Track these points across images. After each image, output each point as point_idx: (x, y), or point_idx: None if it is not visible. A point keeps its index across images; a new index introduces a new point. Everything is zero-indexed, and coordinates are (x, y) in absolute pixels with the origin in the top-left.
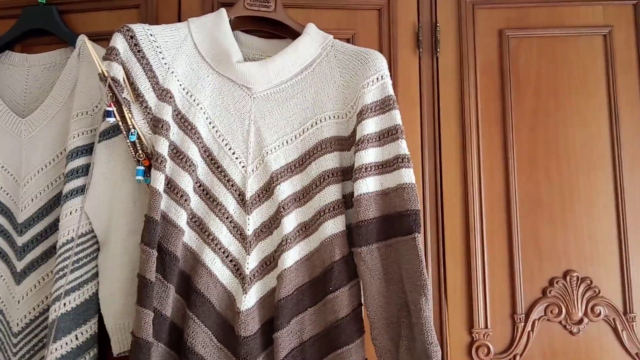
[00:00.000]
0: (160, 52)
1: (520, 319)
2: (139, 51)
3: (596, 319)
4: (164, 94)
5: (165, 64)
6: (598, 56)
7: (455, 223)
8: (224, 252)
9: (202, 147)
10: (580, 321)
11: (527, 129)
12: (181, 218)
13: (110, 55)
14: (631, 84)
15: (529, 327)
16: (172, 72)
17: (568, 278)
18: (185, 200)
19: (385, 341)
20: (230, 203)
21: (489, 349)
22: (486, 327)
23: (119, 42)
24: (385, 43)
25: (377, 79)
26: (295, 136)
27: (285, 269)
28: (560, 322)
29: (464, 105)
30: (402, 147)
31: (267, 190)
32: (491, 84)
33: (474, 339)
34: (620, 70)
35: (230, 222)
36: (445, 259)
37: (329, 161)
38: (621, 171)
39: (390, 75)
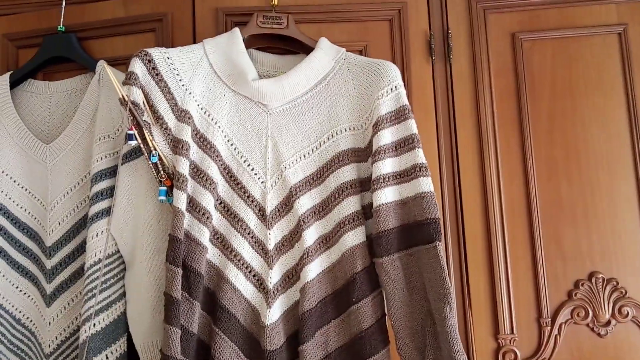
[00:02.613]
0: (177, 74)
1: (546, 322)
2: (157, 74)
3: (624, 320)
4: (182, 115)
5: (182, 85)
6: (614, 54)
7: (476, 229)
8: (246, 268)
9: (221, 165)
10: (608, 323)
11: (545, 131)
12: (204, 236)
13: (130, 79)
14: None
15: (555, 331)
16: (190, 93)
17: (593, 280)
18: (207, 218)
19: (410, 351)
20: (251, 219)
21: (515, 354)
22: (512, 332)
23: (137, 66)
24: (398, 52)
25: (391, 89)
26: (313, 150)
27: (307, 282)
28: (587, 325)
29: (480, 110)
30: (419, 156)
31: (286, 205)
32: (506, 88)
33: (500, 344)
34: (637, 68)
35: (252, 237)
36: (468, 266)
37: (347, 173)
38: None
39: (404, 85)
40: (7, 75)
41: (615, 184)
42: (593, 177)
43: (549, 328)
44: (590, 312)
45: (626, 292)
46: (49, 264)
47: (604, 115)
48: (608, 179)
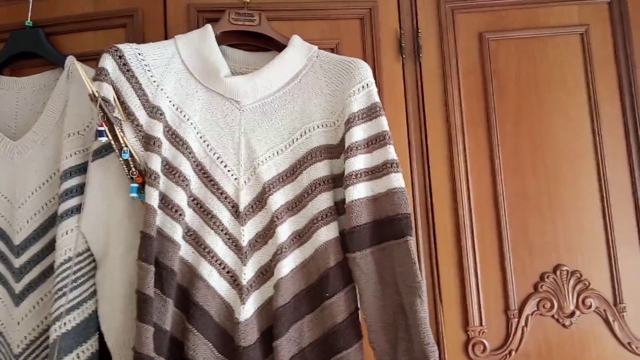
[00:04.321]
0: (149, 70)
1: (513, 314)
2: (127, 70)
3: (587, 311)
4: (154, 111)
5: (154, 81)
6: (576, 54)
7: (446, 223)
8: (220, 264)
9: (194, 162)
10: (572, 314)
11: (511, 127)
12: (177, 233)
13: (100, 75)
14: (609, 78)
15: (522, 323)
16: (162, 90)
17: (558, 272)
18: (180, 215)
19: (382, 344)
20: (224, 215)
21: (484, 346)
22: (481, 324)
23: (107, 62)
24: (369, 51)
25: (363, 87)
26: (285, 146)
27: (281, 278)
28: (552, 316)
29: (449, 107)
30: (391, 152)
31: (260, 201)
32: (474, 85)
33: (470, 336)
34: (598, 67)
35: (225, 234)
36: (438, 260)
37: (320, 169)
38: (603, 162)
39: (375, 82)
40: None
41: (578, 178)
42: (558, 171)
43: (516, 319)
44: (556, 304)
45: (589, 284)
46: (17, 262)
47: (567, 112)
48: (571, 173)
